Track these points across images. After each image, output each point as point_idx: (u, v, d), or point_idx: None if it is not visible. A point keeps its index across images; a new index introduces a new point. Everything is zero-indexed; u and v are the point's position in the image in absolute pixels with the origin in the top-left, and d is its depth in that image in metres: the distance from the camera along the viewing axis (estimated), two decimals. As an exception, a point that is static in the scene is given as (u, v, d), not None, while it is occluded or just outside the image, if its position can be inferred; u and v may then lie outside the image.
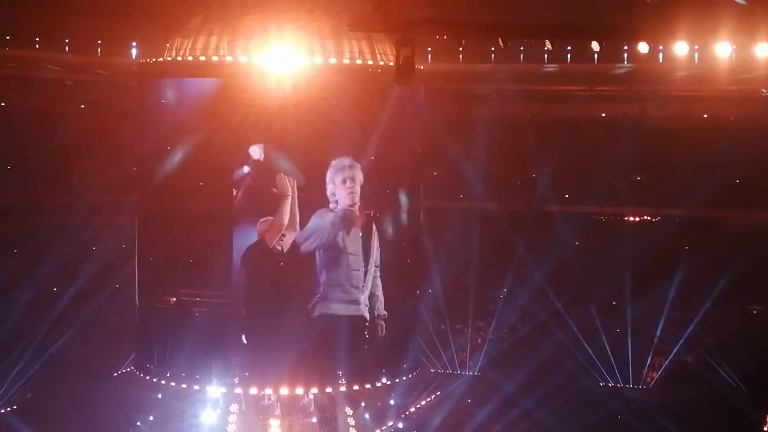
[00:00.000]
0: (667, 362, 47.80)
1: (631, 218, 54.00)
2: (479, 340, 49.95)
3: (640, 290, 48.12)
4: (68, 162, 47.93)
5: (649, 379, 47.57)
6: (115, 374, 44.88)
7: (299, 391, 37.32)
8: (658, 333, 47.73)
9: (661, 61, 42.86)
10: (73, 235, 46.27)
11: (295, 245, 36.53)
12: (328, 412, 38.77)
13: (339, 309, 36.96)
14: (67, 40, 47.93)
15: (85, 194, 47.74)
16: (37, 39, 47.89)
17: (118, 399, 41.41)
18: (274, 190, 36.31)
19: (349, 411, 39.23)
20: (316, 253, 36.74)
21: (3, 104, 51.05)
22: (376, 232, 37.35)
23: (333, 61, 36.79)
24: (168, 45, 38.17)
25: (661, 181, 51.32)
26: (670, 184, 50.43)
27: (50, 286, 45.79)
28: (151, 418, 40.12)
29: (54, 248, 45.22)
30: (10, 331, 44.20)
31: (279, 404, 38.31)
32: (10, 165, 47.82)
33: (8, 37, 47.35)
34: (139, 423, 39.86)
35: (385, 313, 37.48)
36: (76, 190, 47.99)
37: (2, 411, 42.22)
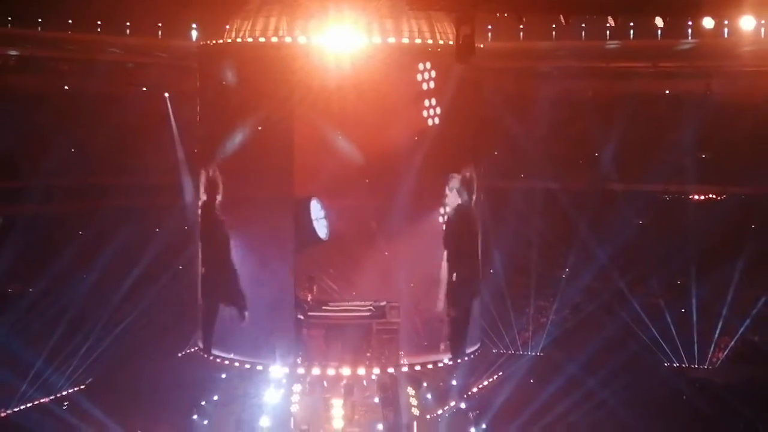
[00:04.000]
0: (733, 342, 47.20)
1: (696, 196, 53.27)
2: (542, 320, 49.68)
3: (706, 269, 47.53)
4: (130, 144, 48.29)
5: (715, 359, 46.99)
6: (180, 354, 45.31)
7: (361, 371, 37.37)
8: (724, 312, 47.12)
9: (726, 36, 42.12)
10: (136, 217, 46.69)
11: None
12: (390, 391, 38.74)
13: None
14: (128, 23, 48.21)
15: (148, 176, 48.12)
16: (99, 22, 48.22)
17: (182, 379, 41.72)
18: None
19: (411, 391, 39.19)
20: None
21: (66, 87, 51.57)
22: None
23: (392, 40, 36.62)
24: (228, 27, 38.24)
25: (727, 159, 50.51)
26: (736, 161, 49.63)
27: (115, 267, 46.21)
28: (215, 397, 40.36)
29: (118, 229, 45.69)
30: (76, 312, 44.77)
31: (342, 384, 38.42)
32: (73, 148, 48.21)
33: (70, 21, 47.73)
34: (203, 402, 40.11)
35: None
36: (139, 172, 48.40)
37: (69, 391, 42.79)
